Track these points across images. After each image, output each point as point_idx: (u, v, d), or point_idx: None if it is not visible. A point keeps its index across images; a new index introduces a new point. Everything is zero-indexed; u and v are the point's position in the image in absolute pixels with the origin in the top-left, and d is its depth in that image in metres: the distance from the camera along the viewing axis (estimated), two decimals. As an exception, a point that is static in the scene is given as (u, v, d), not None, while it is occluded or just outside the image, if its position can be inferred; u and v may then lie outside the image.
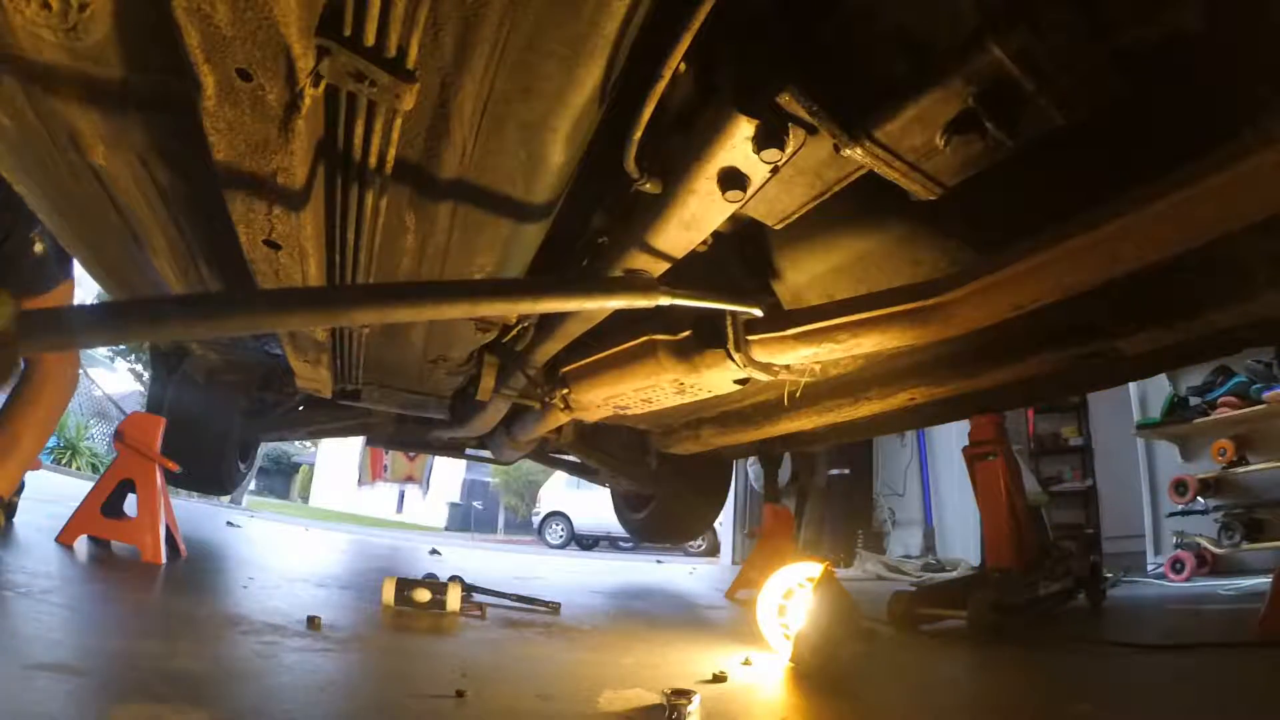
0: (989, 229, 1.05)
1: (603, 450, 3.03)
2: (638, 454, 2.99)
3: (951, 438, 5.63)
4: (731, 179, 0.90)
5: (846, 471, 6.28)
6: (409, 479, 11.89)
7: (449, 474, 19.20)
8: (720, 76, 0.86)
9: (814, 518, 5.67)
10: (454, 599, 1.84)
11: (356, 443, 8.93)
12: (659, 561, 6.55)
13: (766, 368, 1.47)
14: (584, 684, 1.20)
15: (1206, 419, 4.10)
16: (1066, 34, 0.65)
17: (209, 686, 0.98)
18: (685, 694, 1.02)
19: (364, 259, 1.23)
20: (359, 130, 0.86)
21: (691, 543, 8.46)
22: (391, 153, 0.91)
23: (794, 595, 1.61)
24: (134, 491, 2.12)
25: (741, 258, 1.38)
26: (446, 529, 18.64)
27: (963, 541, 5.57)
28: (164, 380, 2.71)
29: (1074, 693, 1.39)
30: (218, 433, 2.85)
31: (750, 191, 0.93)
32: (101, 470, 2.80)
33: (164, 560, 2.05)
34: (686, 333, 1.50)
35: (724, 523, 6.31)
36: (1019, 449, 3.42)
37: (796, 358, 1.42)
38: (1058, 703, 1.33)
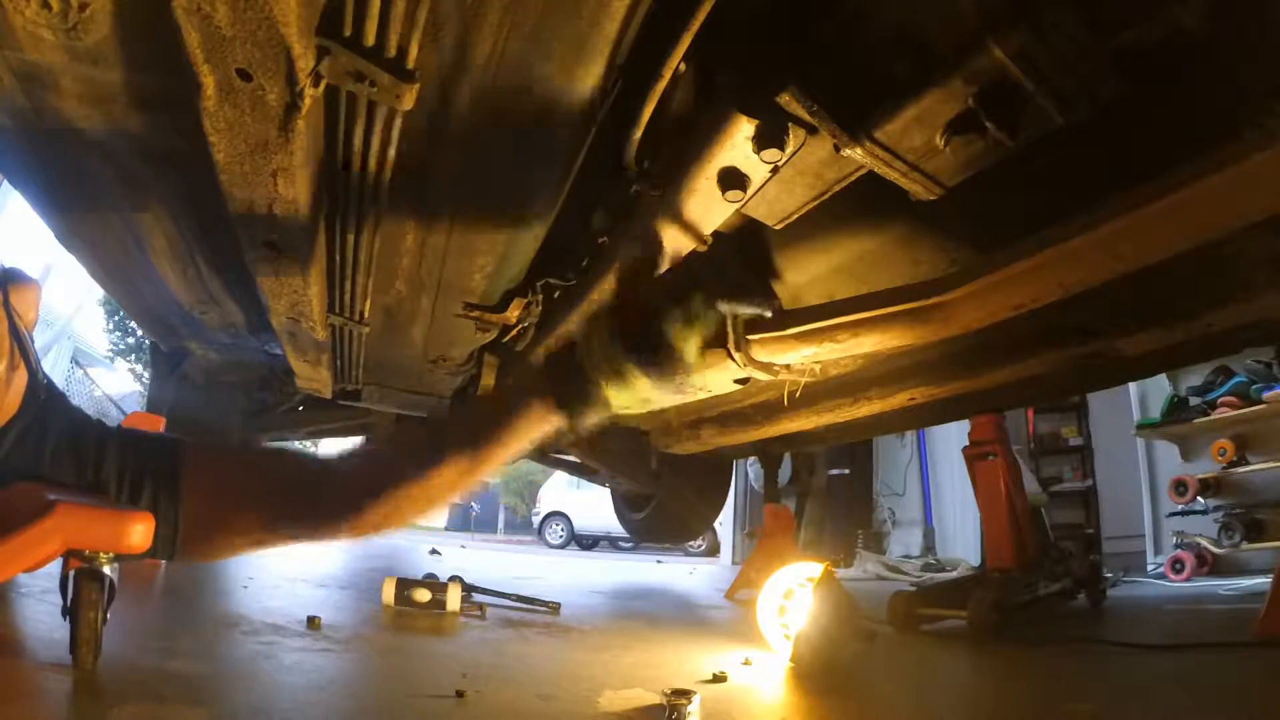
0: (989, 229, 1.05)
1: (603, 450, 3.03)
2: (638, 454, 2.99)
3: (951, 438, 5.62)
4: (731, 179, 0.91)
5: (846, 471, 6.28)
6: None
7: (449, 474, 19.14)
8: (720, 76, 0.86)
9: (814, 518, 5.67)
10: (454, 599, 1.84)
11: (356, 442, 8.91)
12: (659, 561, 6.55)
13: (767, 367, 1.47)
14: (584, 684, 1.20)
15: (1206, 419, 4.09)
16: (1067, 34, 0.65)
17: (209, 686, 0.98)
18: (685, 694, 1.01)
19: (364, 258, 1.24)
20: (359, 130, 0.86)
21: (691, 543, 8.46)
22: (391, 152, 0.91)
23: (794, 595, 1.61)
24: (134, 491, 2.12)
25: (742, 258, 1.37)
26: (446, 529, 18.62)
27: (963, 541, 5.57)
28: (164, 380, 2.70)
29: (1074, 693, 1.39)
30: (217, 432, 2.85)
31: (750, 191, 0.93)
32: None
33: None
34: (687, 332, 1.50)
35: (724, 523, 6.31)
36: (1019, 449, 3.41)
37: (797, 357, 1.42)
38: (1058, 703, 1.33)
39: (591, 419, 0.86)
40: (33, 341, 1.00)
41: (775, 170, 0.89)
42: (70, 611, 0.90)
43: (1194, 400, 4.22)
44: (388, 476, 0.93)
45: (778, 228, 1.08)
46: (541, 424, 0.87)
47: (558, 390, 0.85)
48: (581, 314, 1.42)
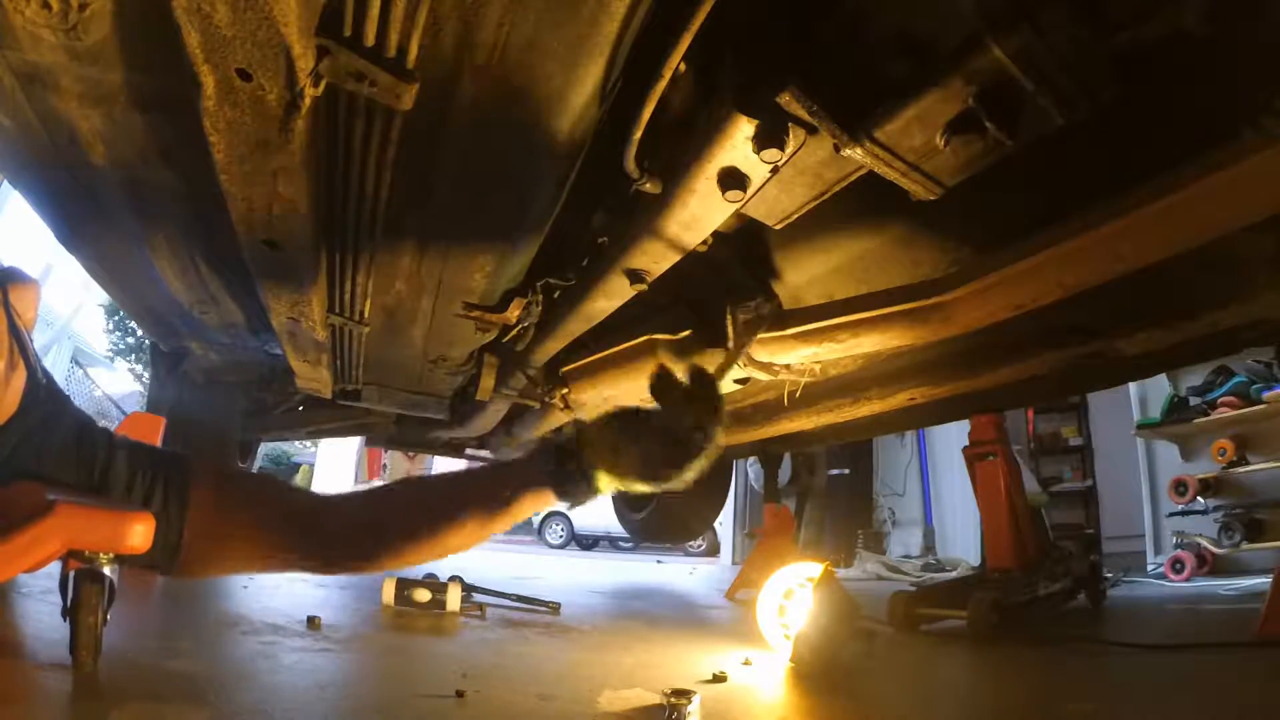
0: (989, 229, 1.05)
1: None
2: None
3: (951, 438, 5.62)
4: (731, 179, 0.90)
5: (846, 471, 6.28)
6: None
7: (449, 474, 19.14)
8: (720, 76, 0.86)
9: (814, 518, 5.65)
10: (454, 599, 1.84)
11: (356, 442, 8.93)
12: (659, 561, 6.56)
13: (767, 367, 1.47)
14: (584, 684, 1.20)
15: (1206, 419, 4.09)
16: (1067, 33, 0.65)
17: (209, 686, 0.98)
18: (685, 694, 1.02)
19: (364, 258, 1.24)
20: (358, 130, 0.86)
21: (691, 543, 8.45)
22: (391, 152, 0.91)
23: (794, 595, 1.61)
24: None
25: (741, 258, 1.38)
26: (446, 529, 18.57)
27: (963, 541, 5.56)
28: (164, 380, 2.70)
29: (1074, 693, 1.39)
30: (218, 433, 2.84)
31: (750, 191, 0.93)
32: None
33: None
34: (687, 332, 1.50)
35: (724, 523, 6.30)
36: (1019, 449, 3.41)
37: (796, 357, 1.42)
38: (1058, 702, 1.33)
39: (582, 501, 0.96)
40: (32, 341, 1.00)
41: (775, 170, 0.88)
42: (70, 613, 0.90)
43: (1194, 400, 4.22)
44: (384, 524, 0.98)
45: (777, 228, 1.08)
46: (536, 505, 0.97)
47: (556, 478, 0.95)
48: (581, 316, 1.42)
